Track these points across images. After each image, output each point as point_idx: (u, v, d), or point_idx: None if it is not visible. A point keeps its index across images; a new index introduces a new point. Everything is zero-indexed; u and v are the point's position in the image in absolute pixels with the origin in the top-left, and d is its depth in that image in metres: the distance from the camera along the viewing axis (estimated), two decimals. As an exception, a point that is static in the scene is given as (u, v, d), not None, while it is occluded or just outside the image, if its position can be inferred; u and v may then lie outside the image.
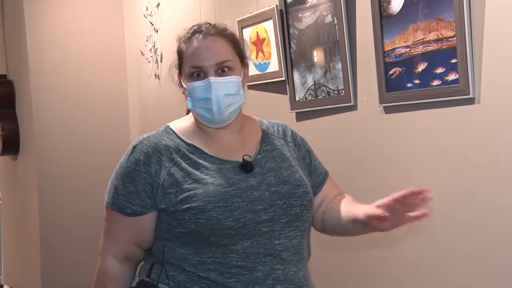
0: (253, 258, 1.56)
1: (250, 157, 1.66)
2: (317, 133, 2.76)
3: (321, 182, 1.81)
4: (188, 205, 1.56)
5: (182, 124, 1.72)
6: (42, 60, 4.43)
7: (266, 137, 1.74)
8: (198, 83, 1.62)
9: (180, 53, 1.68)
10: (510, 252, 1.95)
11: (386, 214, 1.53)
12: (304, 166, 1.76)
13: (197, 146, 1.65)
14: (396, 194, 1.53)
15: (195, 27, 1.68)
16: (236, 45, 1.69)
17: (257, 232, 1.57)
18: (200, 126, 1.69)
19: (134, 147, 1.66)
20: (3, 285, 5.31)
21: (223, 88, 1.62)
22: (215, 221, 1.54)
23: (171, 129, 1.70)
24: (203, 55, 1.63)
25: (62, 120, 4.47)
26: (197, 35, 1.66)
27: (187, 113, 1.76)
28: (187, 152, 1.63)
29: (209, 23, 1.69)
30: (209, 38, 1.65)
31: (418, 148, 2.27)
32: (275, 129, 1.79)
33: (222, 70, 1.63)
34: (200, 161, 1.62)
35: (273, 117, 2.86)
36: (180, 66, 1.69)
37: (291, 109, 2.84)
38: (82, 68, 4.52)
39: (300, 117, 2.85)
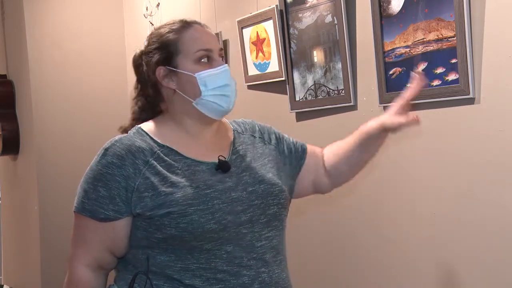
0: (237, 262, 1.53)
1: (225, 158, 1.62)
2: (317, 133, 2.76)
3: (303, 152, 1.79)
4: (167, 210, 1.50)
5: (154, 125, 1.65)
6: (42, 60, 4.43)
7: (237, 137, 1.71)
8: (215, 70, 1.59)
9: (169, 43, 1.62)
10: (510, 252, 1.95)
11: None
12: (278, 159, 1.72)
13: (172, 147, 1.59)
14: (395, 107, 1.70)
15: (184, 20, 1.67)
16: None
17: (238, 235, 1.53)
18: (182, 124, 1.63)
19: (106, 149, 1.59)
20: (3, 285, 5.31)
21: (233, 78, 1.65)
22: (197, 224, 1.49)
23: (143, 130, 1.63)
24: (209, 39, 1.63)
25: (62, 120, 4.46)
26: (191, 25, 1.65)
27: (157, 114, 1.68)
28: (162, 154, 1.57)
29: None
30: (205, 27, 1.67)
31: (418, 148, 2.27)
32: (242, 127, 1.75)
33: (221, 58, 1.64)
34: (175, 163, 1.57)
35: (273, 117, 2.87)
36: (168, 59, 1.61)
37: (291, 109, 2.84)
38: (82, 68, 4.51)
39: (300, 117, 2.85)
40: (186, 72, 1.60)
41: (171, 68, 1.61)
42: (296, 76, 2.78)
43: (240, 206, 1.55)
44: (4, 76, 4.95)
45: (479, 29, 1.98)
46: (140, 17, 4.27)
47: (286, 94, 2.86)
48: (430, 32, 2.12)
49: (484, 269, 2.04)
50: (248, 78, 3.12)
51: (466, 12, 1.99)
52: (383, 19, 2.30)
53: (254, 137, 1.73)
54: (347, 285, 2.67)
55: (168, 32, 1.63)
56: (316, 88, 2.69)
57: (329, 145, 1.85)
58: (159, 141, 1.60)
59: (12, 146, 4.76)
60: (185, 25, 1.64)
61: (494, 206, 2.00)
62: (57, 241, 4.42)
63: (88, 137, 4.51)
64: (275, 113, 2.94)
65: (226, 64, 1.62)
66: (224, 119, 1.74)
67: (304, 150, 1.80)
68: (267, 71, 2.97)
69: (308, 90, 2.73)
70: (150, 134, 1.61)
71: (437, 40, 2.10)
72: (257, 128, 1.77)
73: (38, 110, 4.42)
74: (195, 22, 1.66)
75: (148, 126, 1.65)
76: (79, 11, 4.52)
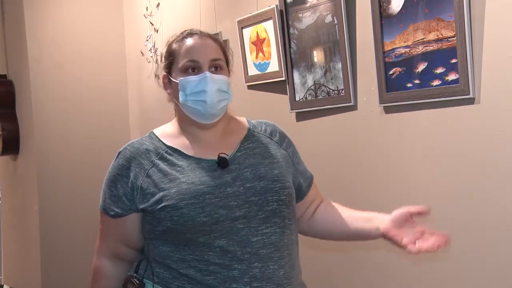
0: (230, 256, 1.60)
1: (227, 154, 1.69)
2: (317, 133, 2.76)
3: (309, 185, 1.86)
4: (163, 204, 1.62)
5: (166, 129, 1.78)
6: (42, 60, 4.43)
7: (250, 135, 1.78)
8: (194, 77, 1.69)
9: (171, 53, 1.75)
10: (510, 252, 1.95)
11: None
12: (290, 165, 1.79)
13: (176, 147, 1.71)
14: (402, 211, 1.69)
15: (188, 30, 1.78)
16: (224, 51, 1.78)
17: (232, 229, 1.61)
18: (185, 127, 1.74)
19: (119, 153, 1.74)
20: (3, 285, 5.31)
21: (217, 83, 1.69)
22: (187, 217, 1.59)
23: (154, 134, 1.77)
24: (199, 51, 1.71)
25: (62, 120, 4.47)
26: (191, 36, 1.75)
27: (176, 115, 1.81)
28: (166, 154, 1.70)
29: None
30: (204, 38, 1.75)
31: (418, 148, 2.27)
32: (262, 128, 1.82)
33: (215, 68, 1.71)
34: (177, 162, 1.68)
35: (273, 117, 2.86)
36: (169, 66, 1.75)
37: (291, 109, 2.84)
38: (82, 68, 4.52)
39: (300, 117, 2.85)
40: (172, 79, 1.73)
41: (169, 75, 1.75)
42: (296, 76, 2.78)
43: (234, 201, 1.62)
44: (4, 76, 4.95)
45: (479, 29, 1.98)
46: (140, 17, 4.27)
47: (286, 94, 2.86)
48: (430, 32, 2.12)
49: (484, 269, 2.04)
50: (248, 78, 3.13)
51: (466, 12, 1.99)
52: (383, 19, 2.30)
53: (271, 139, 1.81)
54: (346, 284, 2.67)
55: (173, 42, 1.77)
56: (316, 88, 2.69)
57: (330, 204, 1.89)
58: (166, 142, 1.72)
59: (12, 146, 4.77)
60: (186, 35, 1.76)
61: (494, 206, 2.00)
62: (57, 241, 4.43)
63: (88, 137, 4.52)
64: (275, 113, 2.94)
65: (208, 72, 1.68)
66: (242, 118, 1.84)
67: (310, 183, 1.86)
68: (267, 71, 2.97)
69: (308, 90, 2.74)
70: (159, 137, 1.74)
71: (437, 40, 2.10)
72: (277, 133, 1.84)
73: (38, 110, 4.42)
74: (195, 33, 1.76)
75: (160, 130, 1.79)
76: (79, 11, 4.52)
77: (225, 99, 1.71)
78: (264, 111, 3.01)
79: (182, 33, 1.77)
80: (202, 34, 1.75)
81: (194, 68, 1.70)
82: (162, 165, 1.67)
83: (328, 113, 2.67)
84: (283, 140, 1.83)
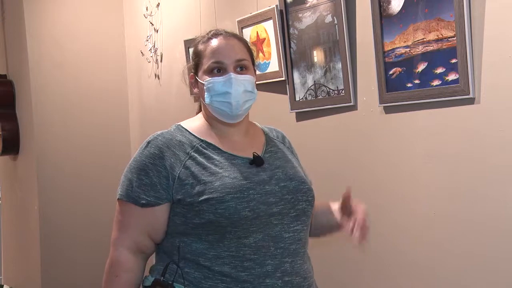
0: (264, 251, 1.64)
1: (258, 154, 1.75)
2: (317, 133, 2.76)
3: None
4: (206, 196, 1.63)
5: (193, 123, 1.80)
6: (42, 60, 4.43)
7: (269, 140, 1.85)
8: (219, 78, 1.72)
9: (198, 53, 1.78)
10: (510, 252, 1.95)
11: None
12: (302, 170, 1.86)
13: (210, 142, 1.73)
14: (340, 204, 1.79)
15: (214, 31, 1.80)
16: (250, 51, 1.81)
17: (268, 225, 1.66)
18: (212, 124, 1.78)
19: (148, 142, 1.73)
20: (3, 285, 5.31)
21: (242, 84, 1.73)
22: (233, 211, 1.62)
23: (183, 127, 1.78)
24: (224, 52, 1.74)
25: (62, 120, 4.47)
26: (217, 36, 1.77)
27: (197, 113, 1.84)
28: (201, 148, 1.72)
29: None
30: (229, 39, 1.77)
31: (418, 148, 2.27)
32: (274, 134, 1.90)
33: (240, 68, 1.74)
34: (213, 156, 1.71)
35: (273, 117, 2.87)
36: (196, 67, 1.78)
37: (291, 109, 2.84)
38: (82, 68, 4.52)
39: (300, 117, 2.85)
40: (199, 80, 1.76)
41: (196, 75, 1.78)
42: (296, 76, 2.78)
43: (272, 198, 1.68)
44: (4, 76, 4.95)
45: (479, 29, 1.98)
46: (140, 17, 4.27)
47: (286, 94, 2.86)
48: (430, 32, 2.12)
49: (484, 269, 2.04)
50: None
51: (466, 12, 1.99)
52: (383, 19, 2.30)
53: (284, 144, 1.88)
54: (345, 283, 2.67)
55: (199, 42, 1.80)
56: (316, 88, 2.69)
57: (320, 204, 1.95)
58: (198, 136, 1.75)
59: (12, 146, 4.77)
60: (211, 36, 1.78)
61: (494, 206, 2.00)
62: (57, 241, 4.43)
63: (88, 137, 4.52)
64: (275, 113, 2.94)
65: (232, 73, 1.71)
66: (256, 123, 1.89)
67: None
68: (267, 71, 2.97)
69: (308, 90, 2.74)
70: (189, 130, 1.76)
71: (437, 40, 2.10)
72: (286, 140, 1.92)
73: (38, 110, 4.42)
74: (220, 33, 1.78)
75: (187, 123, 1.80)
76: (79, 11, 4.52)
77: (250, 100, 1.76)
78: (264, 111, 3.01)
79: (208, 33, 1.80)
80: (227, 34, 1.78)
81: (219, 69, 1.73)
82: (199, 158, 1.69)
83: (328, 113, 2.67)
84: (291, 147, 1.91)
